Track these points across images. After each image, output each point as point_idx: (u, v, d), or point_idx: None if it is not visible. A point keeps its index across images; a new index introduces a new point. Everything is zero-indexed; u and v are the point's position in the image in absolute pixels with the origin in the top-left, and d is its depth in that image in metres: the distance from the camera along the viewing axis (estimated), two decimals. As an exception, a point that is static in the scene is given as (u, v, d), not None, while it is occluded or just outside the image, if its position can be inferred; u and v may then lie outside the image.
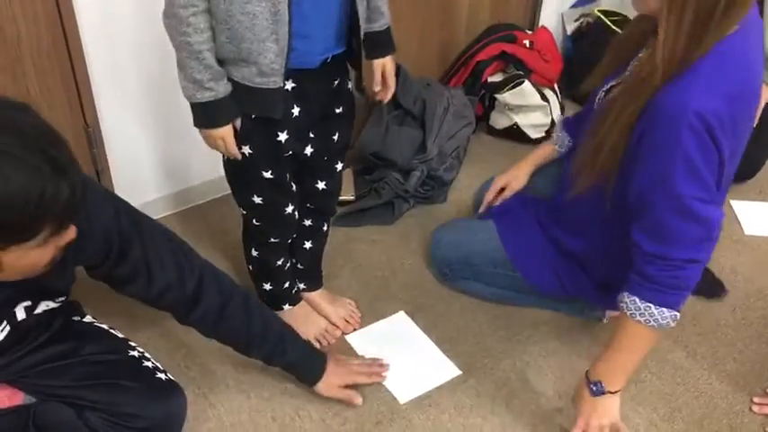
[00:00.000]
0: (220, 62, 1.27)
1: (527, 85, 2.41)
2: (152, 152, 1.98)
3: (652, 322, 1.30)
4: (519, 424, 1.54)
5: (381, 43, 1.44)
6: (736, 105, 1.24)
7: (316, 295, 1.78)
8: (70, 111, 1.75)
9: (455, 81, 2.51)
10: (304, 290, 1.78)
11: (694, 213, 1.25)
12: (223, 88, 1.27)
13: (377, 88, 1.49)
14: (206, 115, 1.31)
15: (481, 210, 1.87)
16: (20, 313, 1.23)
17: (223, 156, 1.43)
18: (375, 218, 2.12)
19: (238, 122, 1.34)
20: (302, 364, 1.51)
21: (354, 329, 1.75)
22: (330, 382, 1.53)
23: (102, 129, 1.83)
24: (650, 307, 1.30)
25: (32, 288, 1.19)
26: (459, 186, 2.29)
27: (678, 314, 1.31)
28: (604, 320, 1.78)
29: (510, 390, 1.62)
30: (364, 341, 1.72)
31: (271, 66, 1.25)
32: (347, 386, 1.55)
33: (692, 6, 1.15)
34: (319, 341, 1.70)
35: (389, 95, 1.52)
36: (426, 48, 2.46)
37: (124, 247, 1.25)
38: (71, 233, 1.03)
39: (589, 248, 1.60)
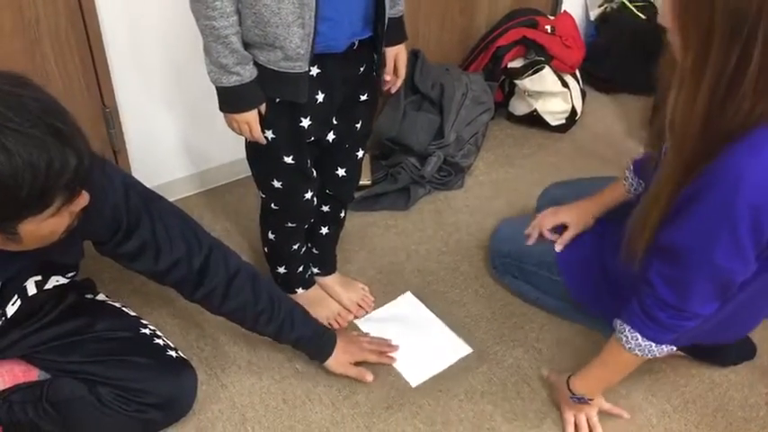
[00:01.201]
0: (246, 46, 1.27)
1: (547, 71, 2.38)
2: (169, 134, 1.99)
3: (648, 354, 1.31)
4: (530, 411, 1.54)
5: (395, 31, 1.43)
6: None
7: (329, 279, 1.79)
8: (88, 92, 1.77)
9: (475, 66, 2.49)
10: (318, 274, 1.78)
11: (725, 283, 1.20)
12: (249, 73, 1.27)
13: (388, 77, 1.48)
14: (232, 100, 1.30)
15: (530, 242, 1.69)
16: (31, 288, 1.24)
17: (245, 139, 1.43)
18: (390, 203, 2.11)
19: (263, 107, 1.34)
20: (312, 340, 1.52)
21: (367, 313, 1.75)
22: (340, 359, 1.54)
23: (120, 110, 1.85)
24: (651, 345, 1.30)
25: (42, 263, 1.21)
26: (476, 173, 2.28)
27: (674, 348, 1.33)
28: None
29: (521, 377, 1.61)
30: (373, 325, 1.72)
31: (297, 50, 1.24)
32: (358, 364, 1.56)
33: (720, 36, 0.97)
34: (331, 325, 1.71)
35: (398, 85, 1.51)
36: (446, 33, 2.44)
37: (132, 223, 1.26)
38: (84, 199, 1.04)
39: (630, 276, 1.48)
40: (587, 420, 1.49)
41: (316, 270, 1.77)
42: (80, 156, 0.97)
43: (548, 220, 1.67)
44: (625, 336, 1.31)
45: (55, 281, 1.28)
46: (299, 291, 1.73)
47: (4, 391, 1.38)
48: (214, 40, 1.23)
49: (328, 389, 1.57)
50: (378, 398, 1.55)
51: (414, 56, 2.28)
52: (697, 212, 1.14)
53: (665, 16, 1.07)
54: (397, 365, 1.62)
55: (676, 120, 1.11)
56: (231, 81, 1.27)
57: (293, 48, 1.24)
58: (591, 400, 1.46)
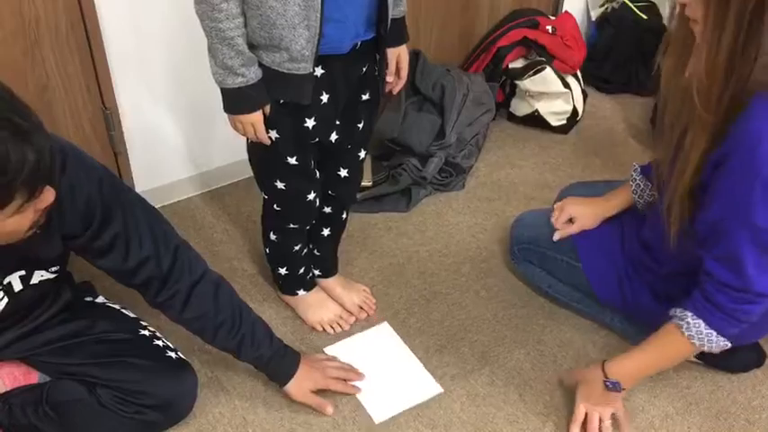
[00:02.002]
0: (251, 47, 1.27)
1: (549, 71, 2.38)
2: (170, 135, 1.99)
3: (706, 345, 1.30)
4: (532, 414, 1.53)
5: (397, 31, 1.42)
6: None
7: (331, 281, 1.78)
8: (88, 93, 1.76)
9: (476, 67, 2.48)
10: (319, 276, 1.77)
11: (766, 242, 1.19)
12: (254, 74, 1.27)
13: (390, 78, 1.48)
14: (237, 101, 1.30)
15: (556, 237, 1.68)
16: (16, 284, 1.23)
17: (247, 140, 1.43)
18: (392, 204, 2.11)
19: (268, 108, 1.33)
20: (273, 359, 1.45)
21: (368, 316, 1.75)
22: (302, 386, 1.47)
23: (121, 111, 1.84)
24: (712, 333, 1.29)
25: (22, 258, 1.20)
26: (477, 174, 2.27)
27: (729, 344, 1.31)
28: None
29: (524, 379, 1.61)
30: (344, 353, 1.66)
31: (302, 52, 1.24)
32: (321, 391, 1.50)
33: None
34: (333, 327, 1.70)
35: (400, 86, 1.51)
36: (447, 33, 2.43)
37: (106, 216, 1.23)
38: (49, 196, 1.01)
39: (664, 268, 1.49)
40: (600, 421, 1.45)
41: (317, 272, 1.77)
42: (40, 152, 0.95)
43: (560, 219, 1.68)
44: (686, 322, 1.30)
45: (39, 275, 1.26)
46: (301, 293, 1.72)
47: (3, 393, 1.38)
48: (220, 41, 1.22)
49: (332, 392, 1.56)
50: (379, 400, 1.55)
51: (415, 57, 2.27)
52: (725, 179, 1.17)
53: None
54: (362, 398, 1.54)
55: (702, 80, 1.13)
56: (236, 82, 1.26)
57: (298, 49, 1.24)
58: (624, 389, 1.42)
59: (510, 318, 1.76)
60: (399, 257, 1.94)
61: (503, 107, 2.51)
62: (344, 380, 1.55)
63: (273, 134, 1.37)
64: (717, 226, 1.22)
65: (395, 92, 1.52)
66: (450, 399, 1.56)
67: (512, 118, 2.52)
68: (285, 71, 1.27)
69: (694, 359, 1.62)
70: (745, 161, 1.14)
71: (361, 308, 1.75)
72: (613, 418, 1.46)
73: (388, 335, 1.72)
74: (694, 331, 1.30)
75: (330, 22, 1.24)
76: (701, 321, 1.29)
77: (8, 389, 1.38)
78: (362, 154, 1.58)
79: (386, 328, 1.73)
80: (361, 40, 1.34)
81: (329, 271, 1.78)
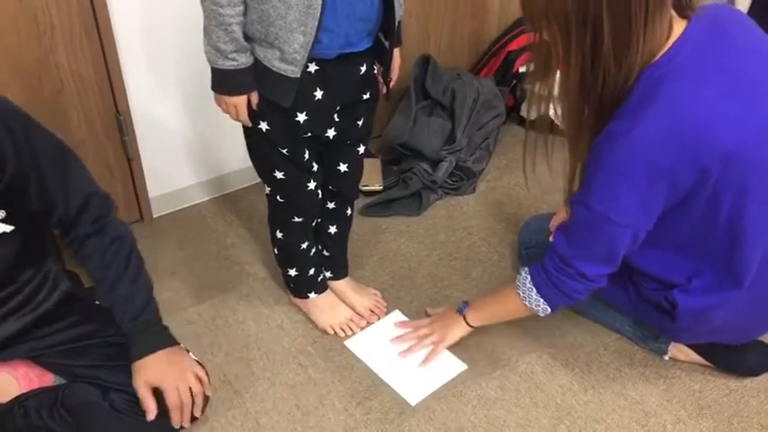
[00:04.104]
0: (245, 37, 1.29)
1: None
2: (183, 140, 2.00)
3: (534, 308, 1.47)
4: (544, 417, 1.53)
5: (393, 35, 1.43)
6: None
7: (341, 284, 1.79)
8: (101, 98, 1.78)
9: (486, 71, 2.49)
10: (330, 278, 1.78)
11: (597, 227, 1.28)
12: (245, 59, 1.29)
13: (380, 78, 1.49)
14: (224, 82, 1.32)
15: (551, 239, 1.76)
16: None
17: (244, 132, 1.45)
18: (402, 208, 2.11)
19: (255, 96, 1.35)
20: (132, 333, 1.35)
21: (379, 318, 1.75)
22: (142, 370, 1.33)
23: (134, 117, 1.86)
24: (540, 301, 1.45)
25: None
26: (487, 178, 2.27)
27: (549, 309, 1.47)
28: (666, 357, 1.64)
29: (535, 382, 1.61)
30: (364, 345, 1.68)
31: (293, 55, 1.26)
32: (157, 389, 1.34)
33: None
34: (344, 331, 1.71)
35: (391, 85, 1.52)
36: (457, 38, 2.44)
37: (15, 156, 1.20)
38: None
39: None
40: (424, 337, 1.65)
41: (328, 274, 1.77)
42: None
43: (557, 216, 1.75)
44: (519, 274, 1.48)
45: None
46: (312, 296, 1.73)
47: (19, 396, 1.39)
48: (217, 25, 1.24)
49: (341, 395, 1.57)
50: (391, 403, 1.55)
51: (425, 61, 2.28)
52: (587, 167, 1.28)
53: (534, 31, 1.24)
54: (394, 385, 1.59)
55: (561, 100, 1.28)
56: (227, 65, 1.29)
57: (291, 52, 1.26)
58: (470, 325, 1.63)
59: (521, 321, 1.75)
60: (410, 261, 1.94)
61: (513, 111, 2.51)
62: (188, 400, 1.37)
63: (264, 125, 1.39)
64: (571, 201, 1.34)
65: (383, 91, 1.52)
66: (462, 402, 1.56)
67: (522, 122, 2.52)
68: (274, 69, 1.29)
69: (702, 360, 1.62)
70: (597, 152, 1.23)
71: (372, 311, 1.76)
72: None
73: (402, 321, 1.75)
74: (520, 282, 1.47)
75: (326, 32, 1.27)
76: (528, 276, 1.45)
77: (24, 391, 1.40)
78: (362, 149, 1.59)
79: (398, 315, 1.77)
80: (348, 51, 1.34)
81: (339, 272, 1.79)
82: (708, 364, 1.62)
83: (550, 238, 1.65)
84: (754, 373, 1.62)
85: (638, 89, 1.18)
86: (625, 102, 1.20)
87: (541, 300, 1.45)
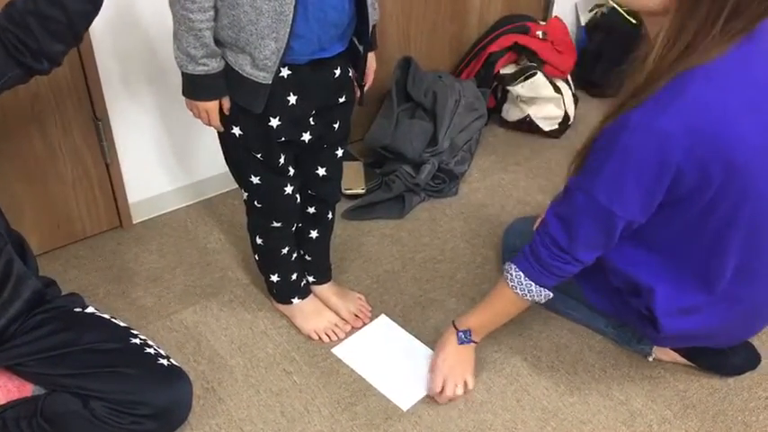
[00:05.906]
0: (217, 42, 1.27)
1: (540, 76, 2.39)
2: (162, 145, 1.98)
3: (527, 295, 1.43)
4: (530, 419, 1.53)
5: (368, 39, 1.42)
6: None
7: (325, 288, 1.77)
8: (79, 104, 1.75)
9: (467, 73, 2.49)
10: (313, 283, 1.77)
11: (607, 225, 1.29)
12: (216, 64, 1.28)
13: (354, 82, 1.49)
14: (195, 87, 1.31)
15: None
16: None
17: (219, 138, 1.44)
18: (385, 211, 2.10)
19: (227, 101, 1.34)
20: None
21: (364, 323, 1.74)
22: None
23: (112, 122, 1.83)
24: (531, 284, 1.42)
25: None
26: (470, 179, 2.27)
27: (551, 294, 1.44)
28: (650, 359, 1.65)
29: (521, 385, 1.60)
30: (352, 352, 1.67)
31: (265, 61, 1.25)
32: None
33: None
34: (329, 336, 1.69)
35: (365, 89, 1.51)
36: (438, 40, 2.44)
37: None
38: None
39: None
40: (454, 390, 1.54)
41: (311, 278, 1.76)
42: None
43: (540, 221, 1.69)
44: (510, 274, 1.44)
45: None
46: (295, 301, 1.71)
47: (-2, 408, 1.36)
48: (186, 30, 1.23)
49: (327, 401, 1.55)
50: (377, 408, 1.54)
51: (406, 63, 2.27)
52: (593, 152, 1.28)
53: None
54: (385, 391, 1.57)
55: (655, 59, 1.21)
56: (197, 70, 1.27)
57: (262, 58, 1.25)
58: (476, 342, 1.57)
59: (506, 324, 1.75)
60: (394, 264, 1.93)
61: (495, 113, 2.52)
62: None
63: (237, 130, 1.38)
64: (570, 183, 1.33)
65: (357, 94, 1.51)
66: (448, 406, 1.55)
67: (504, 123, 2.53)
68: (245, 75, 1.28)
69: (685, 361, 1.62)
70: (610, 138, 1.23)
71: (357, 316, 1.75)
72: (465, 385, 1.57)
73: (389, 326, 1.74)
74: (516, 282, 1.43)
75: (298, 38, 1.26)
76: (521, 273, 1.42)
77: (2, 403, 1.37)
78: (340, 152, 1.57)
79: (384, 320, 1.76)
80: (320, 57, 1.33)
81: (322, 277, 1.77)
82: (691, 365, 1.63)
83: (537, 227, 1.66)
84: (738, 372, 1.63)
85: (670, 83, 1.17)
86: (654, 92, 1.18)
87: (542, 289, 1.43)
